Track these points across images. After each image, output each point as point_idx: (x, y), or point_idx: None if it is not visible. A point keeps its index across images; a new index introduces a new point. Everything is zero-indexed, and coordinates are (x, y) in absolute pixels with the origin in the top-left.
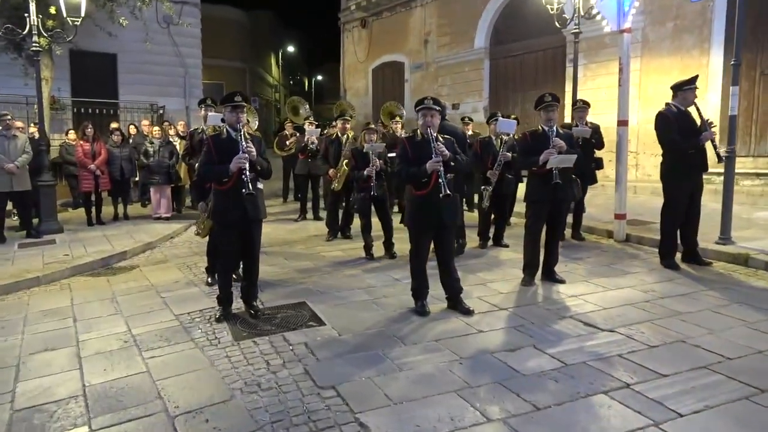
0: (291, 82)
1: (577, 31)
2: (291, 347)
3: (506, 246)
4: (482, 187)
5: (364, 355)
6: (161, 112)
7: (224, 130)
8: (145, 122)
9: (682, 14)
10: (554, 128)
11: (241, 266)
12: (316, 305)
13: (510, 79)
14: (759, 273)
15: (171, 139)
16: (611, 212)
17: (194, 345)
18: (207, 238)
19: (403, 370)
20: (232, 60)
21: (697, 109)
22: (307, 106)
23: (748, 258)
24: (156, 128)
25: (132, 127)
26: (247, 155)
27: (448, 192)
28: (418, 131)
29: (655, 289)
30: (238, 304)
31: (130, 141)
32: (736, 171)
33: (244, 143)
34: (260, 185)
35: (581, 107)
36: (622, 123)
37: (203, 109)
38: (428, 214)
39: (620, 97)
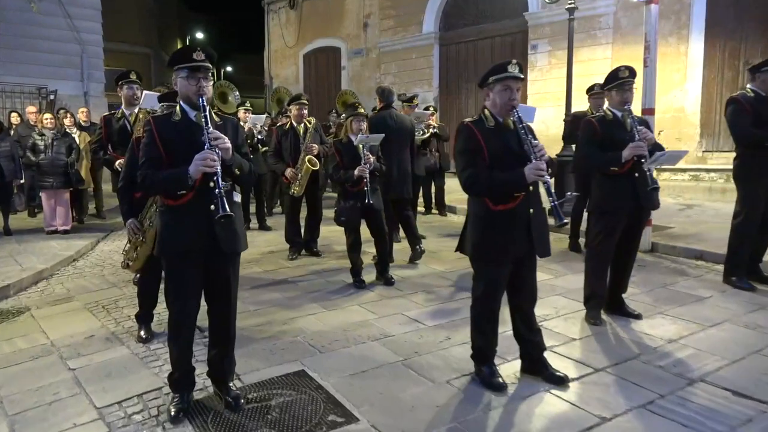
0: None
1: (572, 6)
2: None
3: None
4: None
5: None
6: (52, 97)
7: (177, 109)
8: (32, 109)
9: None
10: (632, 114)
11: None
12: (324, 376)
13: (463, 67)
14: None
15: (68, 130)
16: None
17: None
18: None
19: None
20: (136, 45)
21: None
22: (237, 93)
23: None
24: (47, 116)
25: (15, 114)
26: (218, 151)
27: (566, 220)
28: (486, 113)
29: (759, 323)
30: (201, 380)
31: (11, 132)
32: (720, 167)
33: (211, 130)
34: (236, 198)
35: (599, 93)
36: (648, 112)
37: (125, 87)
38: (512, 238)
39: (646, 82)
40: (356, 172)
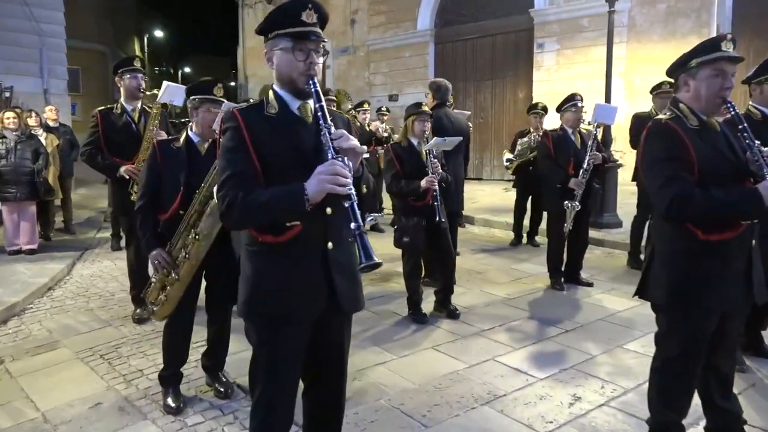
0: (157, 72)
1: None
2: None
3: (590, 285)
4: (565, 202)
5: None
6: (8, 95)
7: (270, 97)
8: None
9: None
10: None
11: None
12: None
13: (461, 67)
14: None
15: (33, 132)
16: None
17: None
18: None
19: None
20: (91, 41)
21: None
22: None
23: None
24: (10, 115)
25: None
26: (349, 162)
27: None
28: (683, 108)
29: None
30: None
31: None
32: None
33: (334, 129)
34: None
35: (667, 91)
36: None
37: (127, 76)
38: (728, 278)
39: None
40: (423, 183)
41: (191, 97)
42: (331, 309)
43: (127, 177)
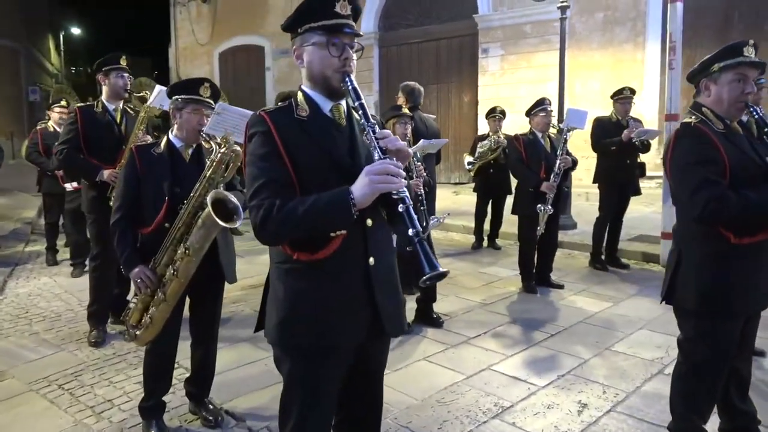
0: (73, 72)
1: (564, 5)
2: None
3: (561, 287)
4: (538, 205)
5: None
6: None
7: (299, 98)
8: None
9: (614, 4)
10: None
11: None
12: None
13: (405, 71)
14: None
15: None
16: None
17: None
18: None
19: None
20: (0, 38)
21: None
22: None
23: None
24: None
25: None
26: (399, 164)
27: None
28: (706, 112)
29: None
30: None
31: None
32: None
33: (378, 129)
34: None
35: (627, 96)
36: (671, 117)
37: (112, 75)
38: (757, 282)
39: (670, 85)
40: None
41: (174, 97)
42: (372, 333)
43: (110, 183)
